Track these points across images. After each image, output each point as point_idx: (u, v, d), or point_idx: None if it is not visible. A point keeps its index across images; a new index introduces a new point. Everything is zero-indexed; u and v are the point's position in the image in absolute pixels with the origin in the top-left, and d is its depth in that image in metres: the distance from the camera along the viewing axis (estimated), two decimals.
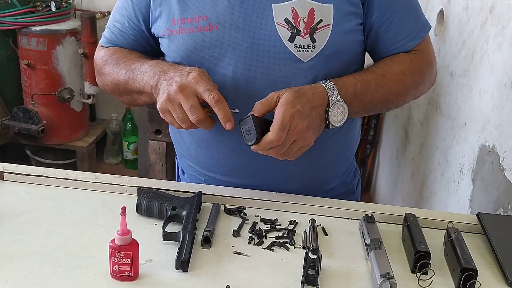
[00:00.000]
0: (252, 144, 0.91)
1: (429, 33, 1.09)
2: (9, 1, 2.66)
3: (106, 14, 2.94)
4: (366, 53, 1.11)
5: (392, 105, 1.07)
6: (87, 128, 3.05)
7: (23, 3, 2.69)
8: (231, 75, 0.99)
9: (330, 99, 0.94)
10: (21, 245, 0.87)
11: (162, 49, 1.08)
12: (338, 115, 0.96)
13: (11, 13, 2.65)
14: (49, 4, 2.73)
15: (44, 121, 2.74)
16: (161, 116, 0.96)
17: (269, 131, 0.89)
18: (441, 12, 1.90)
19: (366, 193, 2.90)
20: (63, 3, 2.79)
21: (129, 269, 0.79)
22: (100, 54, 1.13)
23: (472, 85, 1.51)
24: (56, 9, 2.72)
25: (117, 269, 0.79)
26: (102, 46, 1.15)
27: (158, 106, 0.94)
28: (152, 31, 1.07)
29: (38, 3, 2.72)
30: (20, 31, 2.68)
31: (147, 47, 1.12)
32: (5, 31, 2.72)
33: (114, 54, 1.10)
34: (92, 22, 2.68)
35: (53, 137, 2.86)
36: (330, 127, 0.96)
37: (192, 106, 0.90)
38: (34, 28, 2.66)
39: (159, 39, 1.07)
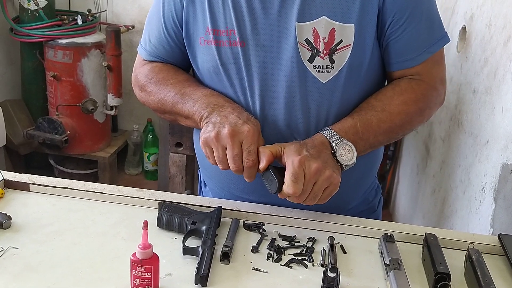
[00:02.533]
0: (275, 193, 0.93)
1: (451, 50, 1.06)
2: (37, 14, 2.74)
3: (131, 27, 3.00)
4: None
5: (399, 135, 1.06)
6: (109, 139, 3.10)
7: (50, 17, 2.77)
8: (257, 92, 1.00)
9: (331, 141, 0.95)
10: (45, 256, 0.89)
11: (192, 57, 1.07)
12: (346, 153, 0.95)
13: (38, 26, 2.72)
14: (76, 18, 2.79)
15: (68, 132, 2.80)
16: (201, 146, 0.97)
17: None
18: (464, 28, 1.89)
19: (385, 209, 2.87)
20: (89, 17, 2.86)
21: (149, 282, 0.80)
22: (143, 70, 1.12)
23: (494, 103, 1.50)
24: (82, 22, 2.79)
25: (138, 283, 0.80)
26: (145, 60, 1.14)
27: (202, 137, 0.95)
28: (184, 36, 1.06)
29: (65, 17, 2.80)
30: (47, 43, 2.75)
31: (186, 52, 1.09)
32: (32, 44, 2.80)
33: (160, 73, 1.10)
34: (116, 35, 2.74)
35: (76, 147, 2.91)
36: (344, 168, 0.96)
37: (237, 155, 0.92)
38: (60, 41, 2.72)
39: (191, 47, 1.06)
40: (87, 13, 2.88)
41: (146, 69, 1.12)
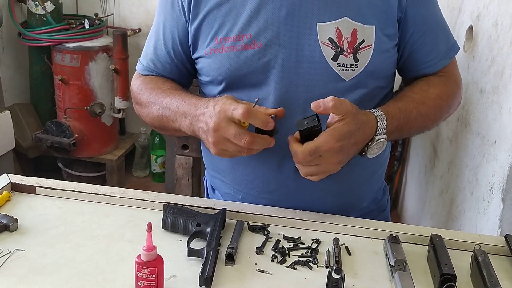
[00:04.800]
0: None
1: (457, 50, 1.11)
2: (45, 19, 2.77)
3: (137, 31, 3.02)
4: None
5: (426, 129, 1.09)
6: (116, 142, 3.12)
7: (58, 21, 2.80)
8: (274, 92, 1.00)
9: (376, 134, 0.94)
10: (51, 258, 0.89)
11: (200, 68, 1.07)
12: (376, 149, 0.96)
13: (46, 30, 2.75)
14: (83, 22, 2.82)
15: (76, 135, 2.82)
16: (221, 157, 0.95)
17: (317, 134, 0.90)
18: (470, 28, 1.88)
19: (393, 210, 2.86)
20: (96, 21, 2.88)
21: (154, 284, 0.80)
22: (136, 83, 1.14)
23: (502, 103, 1.48)
24: (89, 26, 2.81)
25: (142, 284, 0.80)
26: (140, 74, 1.15)
27: (213, 153, 0.94)
28: (191, 51, 1.07)
29: (72, 21, 2.82)
30: (55, 47, 2.78)
31: (183, 69, 1.12)
32: (40, 48, 2.82)
33: (149, 83, 1.10)
34: (123, 39, 2.75)
35: (84, 150, 2.93)
36: (364, 156, 0.97)
37: (235, 134, 0.87)
38: (68, 45, 2.75)
39: (198, 59, 1.07)
40: (94, 17, 2.91)
41: (139, 81, 1.13)
